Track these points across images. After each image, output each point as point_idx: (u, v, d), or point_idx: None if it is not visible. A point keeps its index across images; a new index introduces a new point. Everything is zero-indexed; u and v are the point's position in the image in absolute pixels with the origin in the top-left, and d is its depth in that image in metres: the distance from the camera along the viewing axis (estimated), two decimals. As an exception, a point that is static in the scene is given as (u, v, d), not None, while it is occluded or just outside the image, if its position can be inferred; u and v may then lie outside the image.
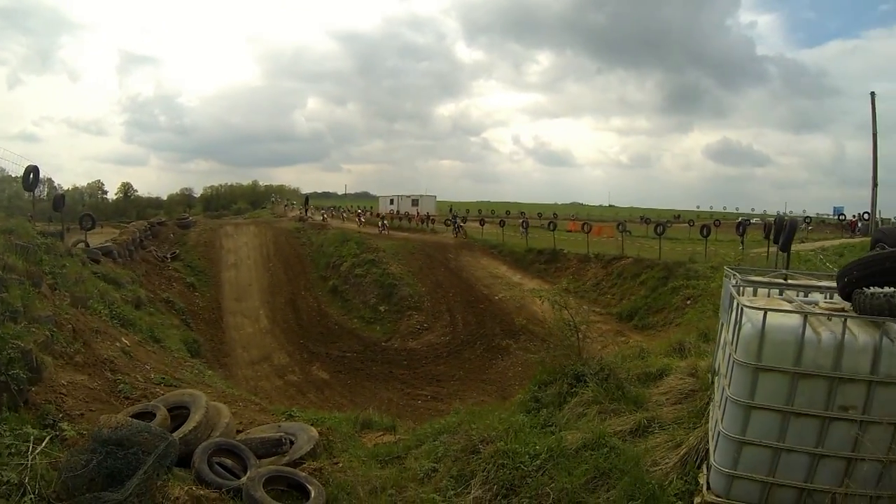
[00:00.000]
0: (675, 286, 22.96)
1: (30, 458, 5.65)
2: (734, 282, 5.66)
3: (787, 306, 4.78)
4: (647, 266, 26.34)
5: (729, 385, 4.62)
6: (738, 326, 4.64)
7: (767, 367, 4.34)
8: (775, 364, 4.32)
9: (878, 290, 4.39)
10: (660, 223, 31.31)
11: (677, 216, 56.26)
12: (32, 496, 5.17)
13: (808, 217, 49.35)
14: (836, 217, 50.77)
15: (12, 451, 5.80)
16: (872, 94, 24.23)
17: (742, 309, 4.69)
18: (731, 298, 5.22)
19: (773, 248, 14.25)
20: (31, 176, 17.42)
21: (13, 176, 21.80)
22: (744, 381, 4.42)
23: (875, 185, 24.43)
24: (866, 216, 34.94)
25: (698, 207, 68.06)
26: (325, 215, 52.31)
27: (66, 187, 20.89)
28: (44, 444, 6.03)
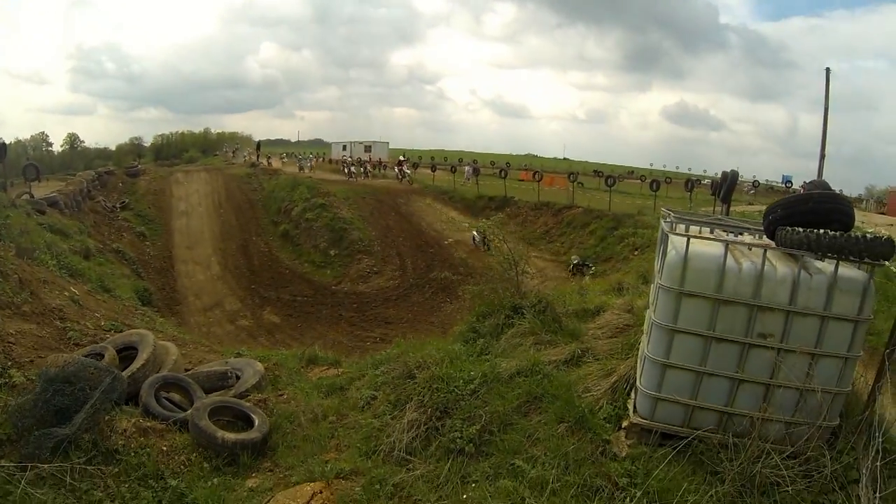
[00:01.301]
0: (622, 235, 23.19)
1: (-23, 404, 5.70)
2: (669, 219, 5.82)
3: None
4: (596, 216, 26.43)
5: (654, 311, 4.83)
6: (663, 255, 4.84)
7: (690, 293, 4.53)
8: (698, 290, 4.52)
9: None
10: (611, 176, 31.30)
11: (630, 172, 56.49)
12: None
13: (756, 181, 50.11)
14: (784, 184, 51.59)
15: (-39, 404, 5.83)
16: (827, 70, 24.63)
17: (668, 237, 4.91)
18: (662, 232, 5.46)
19: (721, 208, 14.58)
20: (-29, 127, 16.71)
21: None
22: (668, 306, 4.62)
23: (822, 157, 25.05)
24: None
25: (651, 165, 68.23)
26: (313, 164, 49.99)
27: (7, 141, 20.14)
28: None
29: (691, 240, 4.68)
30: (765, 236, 5.25)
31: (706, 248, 4.63)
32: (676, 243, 4.68)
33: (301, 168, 44.48)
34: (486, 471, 5.16)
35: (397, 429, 5.92)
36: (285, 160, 50.45)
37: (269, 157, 51.99)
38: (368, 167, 45.87)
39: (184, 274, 25.04)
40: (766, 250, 4.57)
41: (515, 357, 6.82)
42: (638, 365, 5.30)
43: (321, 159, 57.37)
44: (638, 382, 5.04)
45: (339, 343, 16.85)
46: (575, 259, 19.87)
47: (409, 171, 40.84)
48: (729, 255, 4.53)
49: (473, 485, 5.05)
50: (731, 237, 5.43)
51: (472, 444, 5.48)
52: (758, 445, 4.43)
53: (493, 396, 5.97)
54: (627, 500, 4.45)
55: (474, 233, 26.45)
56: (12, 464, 5.13)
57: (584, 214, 27.36)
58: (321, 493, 5.26)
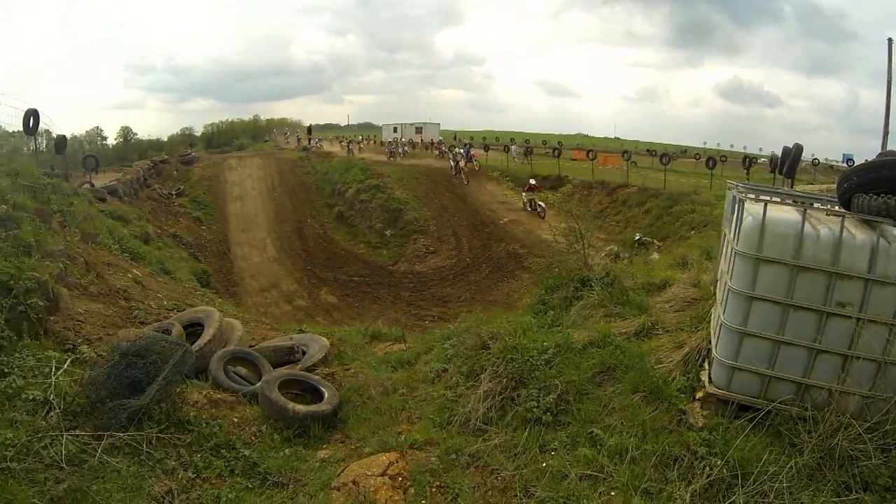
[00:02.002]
0: (679, 213, 22.87)
1: (53, 377, 5.83)
2: (735, 191, 5.66)
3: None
4: (651, 195, 26.12)
5: (731, 278, 4.68)
6: (739, 222, 4.69)
7: (768, 259, 4.41)
8: (775, 256, 4.39)
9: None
10: (666, 154, 30.72)
11: (683, 151, 55.15)
12: (58, 411, 5.36)
13: (815, 159, 48.08)
14: (846, 163, 49.37)
15: (36, 372, 5.99)
16: (890, 40, 23.17)
17: (743, 204, 4.75)
18: (734, 201, 5.28)
19: (782, 185, 14.09)
20: (31, 120, 17.17)
21: (10, 131, 21.47)
22: (745, 273, 4.50)
23: (886, 133, 23.79)
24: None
25: (705, 144, 65.96)
26: (363, 146, 50.95)
27: (63, 136, 20.87)
28: (66, 365, 6.22)
29: (768, 206, 4.54)
30: (838, 207, 5.05)
31: (783, 213, 4.54)
32: (753, 210, 4.58)
33: (350, 151, 44.47)
34: (563, 440, 5.10)
35: (472, 399, 5.87)
36: (347, 143, 50.20)
37: (319, 140, 52.32)
38: (407, 148, 46.48)
39: (240, 256, 25.51)
40: (843, 217, 4.43)
41: (586, 328, 6.75)
42: (712, 334, 5.22)
43: (371, 142, 57.50)
44: (714, 351, 4.94)
45: (398, 322, 16.85)
46: (637, 236, 19.48)
47: (447, 151, 40.58)
48: (806, 221, 4.40)
49: (552, 453, 4.99)
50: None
51: (548, 414, 5.42)
52: (836, 418, 4.31)
53: (567, 367, 5.88)
54: (707, 469, 4.38)
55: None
56: (87, 433, 5.21)
57: (639, 193, 27.04)
58: (396, 462, 5.26)
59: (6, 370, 5.72)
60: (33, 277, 7.25)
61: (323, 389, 6.76)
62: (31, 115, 16.99)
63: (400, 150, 44.46)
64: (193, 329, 7.91)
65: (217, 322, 7.79)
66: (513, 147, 42.78)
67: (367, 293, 22.26)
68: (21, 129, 17.01)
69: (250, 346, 8.23)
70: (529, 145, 44.42)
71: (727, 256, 5.24)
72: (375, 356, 8.59)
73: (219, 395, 6.40)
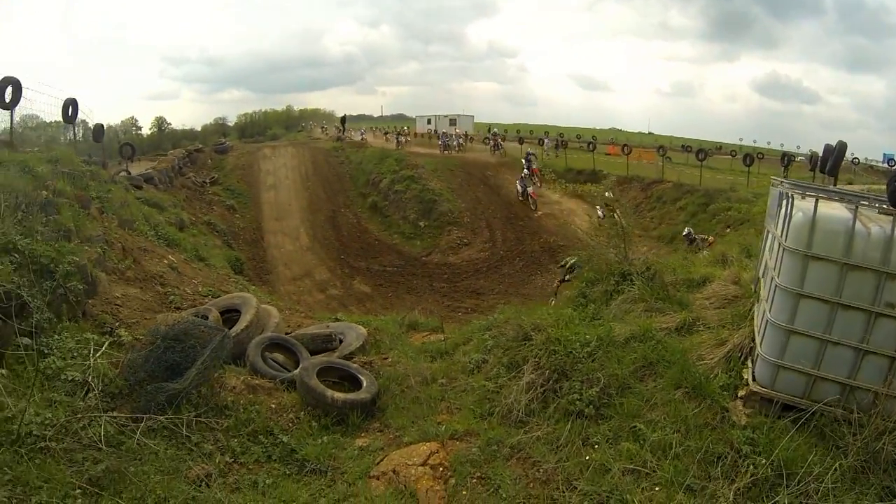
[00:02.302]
0: (715, 211, 22.57)
1: (91, 359, 5.88)
2: (781, 187, 5.60)
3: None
4: (687, 191, 25.78)
5: (778, 274, 4.62)
6: (788, 218, 4.63)
7: (817, 256, 4.35)
8: (825, 253, 4.33)
9: None
10: (702, 150, 29.85)
11: (719, 147, 54.01)
12: (96, 392, 5.42)
13: (855, 158, 46.66)
14: (886, 163, 47.70)
15: (75, 354, 6.05)
16: None
17: (793, 200, 4.68)
18: (780, 197, 5.21)
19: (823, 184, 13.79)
20: (70, 109, 17.43)
21: (47, 122, 21.90)
22: (793, 269, 4.45)
23: None
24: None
25: (741, 141, 64.05)
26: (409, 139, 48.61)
27: (96, 124, 21.34)
28: (104, 348, 6.27)
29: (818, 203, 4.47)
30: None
31: (834, 210, 4.47)
32: (803, 206, 4.52)
33: (399, 143, 43.21)
34: (606, 433, 5.09)
35: (514, 390, 5.86)
36: (396, 136, 49.16)
37: (362, 132, 52.05)
38: (461, 141, 44.33)
39: (273, 245, 25.67)
40: (895, 216, 4.33)
41: (627, 323, 6.76)
42: (757, 333, 5.17)
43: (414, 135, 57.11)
44: (758, 349, 4.90)
45: (431, 312, 16.83)
46: (686, 231, 19.15)
47: (501, 143, 39.78)
48: (857, 219, 4.34)
49: (595, 447, 4.98)
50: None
51: (591, 407, 5.40)
52: (881, 422, 4.29)
53: (609, 360, 5.86)
54: (751, 467, 4.37)
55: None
56: (126, 415, 5.26)
57: (674, 189, 26.69)
58: (437, 452, 5.27)
59: (46, 351, 5.78)
60: (73, 261, 7.35)
61: (361, 378, 6.77)
62: (71, 104, 17.24)
63: (455, 143, 41.67)
64: (230, 315, 7.98)
65: (254, 308, 7.84)
66: (546, 140, 42.26)
67: (400, 283, 22.38)
68: (58, 118, 17.28)
69: (286, 333, 8.25)
70: (563, 139, 43.87)
71: (774, 253, 5.17)
72: (413, 346, 8.61)
73: (257, 381, 6.44)
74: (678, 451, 4.66)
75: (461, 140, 43.47)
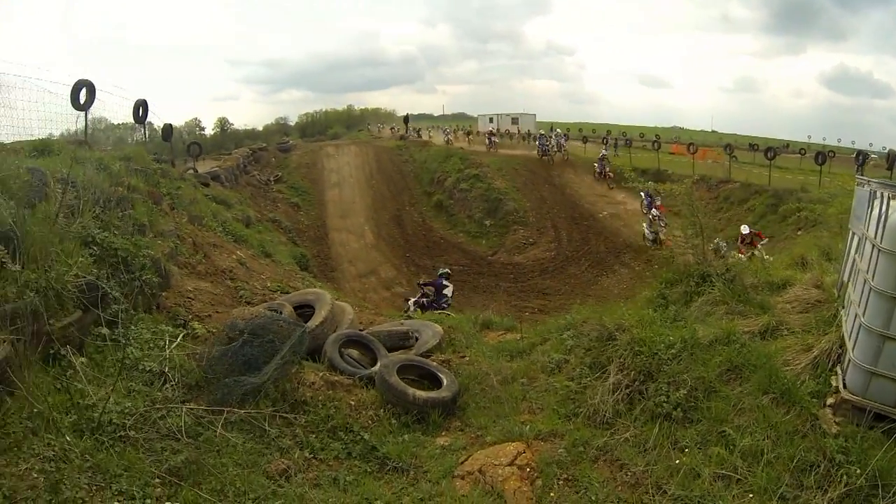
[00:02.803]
0: (785, 212, 21.80)
1: (167, 351, 5.96)
2: (870, 186, 5.46)
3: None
4: (755, 192, 24.93)
5: (872, 277, 4.49)
6: (883, 219, 4.51)
7: None
8: None
9: None
10: (771, 149, 28.54)
11: (786, 145, 52.00)
12: (173, 383, 5.52)
13: None
14: None
15: (151, 345, 6.16)
16: None
17: (889, 201, 4.57)
18: (870, 198, 5.13)
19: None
20: (141, 109, 18.00)
21: (115, 123, 22.71)
22: (890, 272, 4.33)
23: None
24: None
25: (809, 138, 61.51)
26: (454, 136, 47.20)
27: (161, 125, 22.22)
28: (179, 339, 6.38)
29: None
30: None
31: None
32: None
33: (491, 144, 40.89)
34: (694, 437, 5.11)
35: (600, 391, 5.84)
36: (488, 135, 47.88)
37: (425, 130, 51.86)
38: (563, 141, 39.55)
39: (338, 242, 26.01)
40: None
41: (710, 325, 6.66)
42: (847, 339, 5.07)
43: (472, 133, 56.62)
44: (850, 354, 4.78)
45: (498, 312, 16.75)
46: (745, 229, 18.37)
47: (564, 145, 37.66)
48: None
49: (685, 451, 4.94)
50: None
51: (678, 410, 5.39)
52: None
53: (695, 363, 5.80)
54: (845, 477, 4.30)
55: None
56: (203, 407, 5.31)
57: (741, 189, 25.83)
58: (524, 452, 5.23)
59: (124, 341, 5.85)
60: (148, 255, 7.56)
61: (441, 376, 6.73)
62: (141, 105, 17.82)
63: (554, 144, 36.11)
64: (302, 310, 8.04)
65: (329, 304, 7.90)
66: (607, 139, 41.26)
67: (466, 282, 22.27)
68: (125, 120, 17.90)
69: (360, 329, 8.27)
70: (627, 137, 42.87)
71: (864, 255, 5.03)
72: (488, 345, 8.59)
73: (336, 378, 6.45)
74: (769, 458, 4.60)
75: (563, 142, 37.54)
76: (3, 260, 4.98)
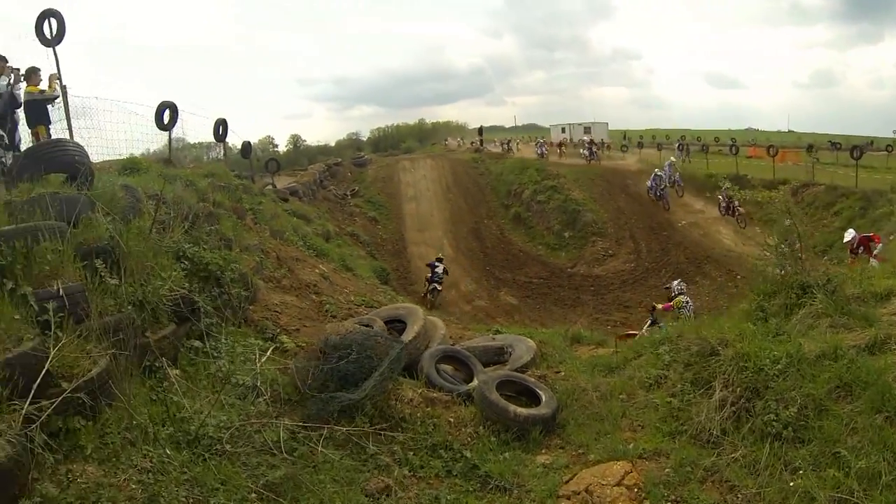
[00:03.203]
0: (876, 217, 20.67)
1: (258, 364, 5.97)
2: None
3: None
4: (841, 195, 23.85)
5: None
6: None
7: None
8: None
9: None
10: (857, 147, 27.25)
11: (870, 142, 49.45)
12: (266, 397, 5.49)
13: None
14: None
15: (242, 358, 6.17)
16: None
17: None
18: None
19: None
20: (221, 128, 18.63)
21: (192, 143, 23.61)
22: None
23: None
24: None
25: (895, 133, 58.47)
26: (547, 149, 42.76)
27: (238, 144, 23.12)
28: (269, 353, 6.39)
29: None
30: None
31: None
32: None
33: (593, 156, 38.94)
34: (807, 458, 4.82)
35: (705, 408, 5.64)
36: (589, 145, 46.92)
37: (542, 142, 51.06)
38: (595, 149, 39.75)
39: (416, 255, 26.06)
40: None
41: (814, 339, 6.28)
42: None
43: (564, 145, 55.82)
44: None
45: (580, 326, 16.56)
46: (850, 234, 17.38)
47: (680, 182, 35.64)
48: None
49: (798, 472, 4.71)
50: None
51: (789, 429, 5.12)
52: None
53: (802, 379, 5.50)
54: None
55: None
56: (297, 423, 5.32)
57: (826, 193, 24.70)
58: (631, 472, 5.10)
59: (215, 354, 5.90)
60: (236, 269, 7.69)
61: (539, 392, 6.60)
62: (221, 124, 18.51)
63: (667, 179, 29.84)
64: (392, 325, 8.05)
65: (421, 320, 7.90)
66: (678, 144, 40.04)
67: (546, 295, 22.26)
68: (202, 139, 18.63)
69: (451, 344, 8.23)
70: (702, 143, 41.73)
71: None
72: (581, 360, 8.45)
73: (434, 394, 6.43)
74: (888, 481, 4.35)
75: (679, 178, 30.72)
76: (103, 274, 5.08)
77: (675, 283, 13.08)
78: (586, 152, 38.72)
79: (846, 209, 22.74)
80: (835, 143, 41.50)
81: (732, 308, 10.35)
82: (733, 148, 34.39)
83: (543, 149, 40.19)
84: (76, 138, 10.97)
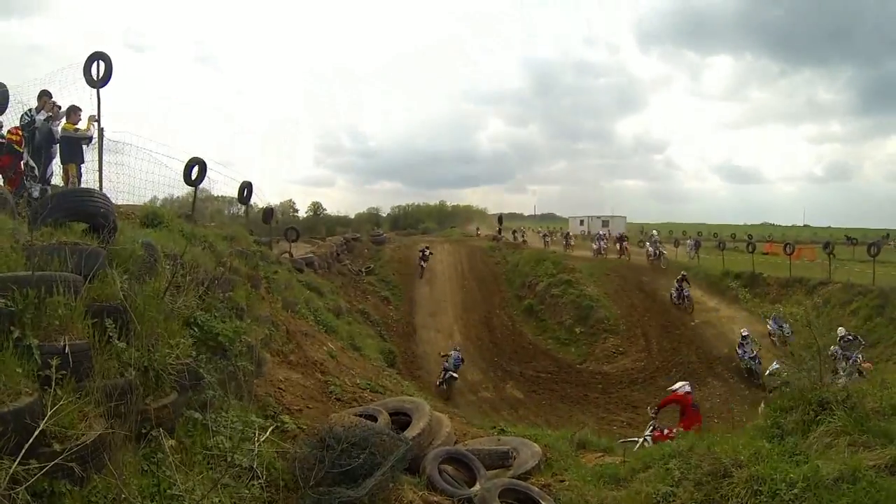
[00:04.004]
0: (893, 317, 20.70)
1: (256, 445, 5.79)
2: None
3: None
4: (858, 293, 23.70)
5: None
6: None
7: None
8: None
9: None
10: (874, 243, 27.10)
11: (886, 235, 49.50)
12: (261, 481, 5.27)
13: None
14: None
15: (242, 436, 5.99)
16: None
17: None
18: None
19: None
20: (246, 191, 18.89)
21: (215, 195, 23.96)
22: None
23: None
24: None
25: None
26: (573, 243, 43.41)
27: (260, 206, 23.22)
28: (268, 433, 6.21)
29: None
30: None
31: None
32: None
33: (655, 256, 36.27)
34: None
35: None
36: (556, 237, 47.44)
37: (519, 231, 51.78)
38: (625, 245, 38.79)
39: (425, 340, 25.97)
40: None
41: (832, 459, 6.08)
42: None
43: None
44: None
45: (585, 425, 16.31)
46: (841, 333, 17.04)
47: (664, 252, 35.66)
48: None
49: None
50: None
51: None
52: None
53: None
54: None
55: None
56: None
57: (842, 291, 24.48)
58: None
59: (215, 429, 5.74)
60: (245, 340, 7.53)
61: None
62: (246, 187, 18.80)
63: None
64: (397, 417, 7.88)
65: (427, 416, 7.73)
66: (689, 241, 40.38)
67: (553, 391, 21.98)
68: (226, 193, 18.95)
69: (454, 443, 8.07)
70: (719, 239, 42.06)
71: None
72: (586, 467, 8.21)
73: (435, 498, 6.22)
74: None
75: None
76: (112, 335, 5.00)
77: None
78: (596, 245, 39.23)
79: (863, 307, 22.63)
80: (851, 239, 41.47)
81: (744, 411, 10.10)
82: (750, 246, 34.35)
83: (547, 239, 42.03)
84: (104, 172, 11.45)
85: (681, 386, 11.87)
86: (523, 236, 47.58)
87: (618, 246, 38.57)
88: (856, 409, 6.95)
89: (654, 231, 42.09)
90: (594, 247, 39.34)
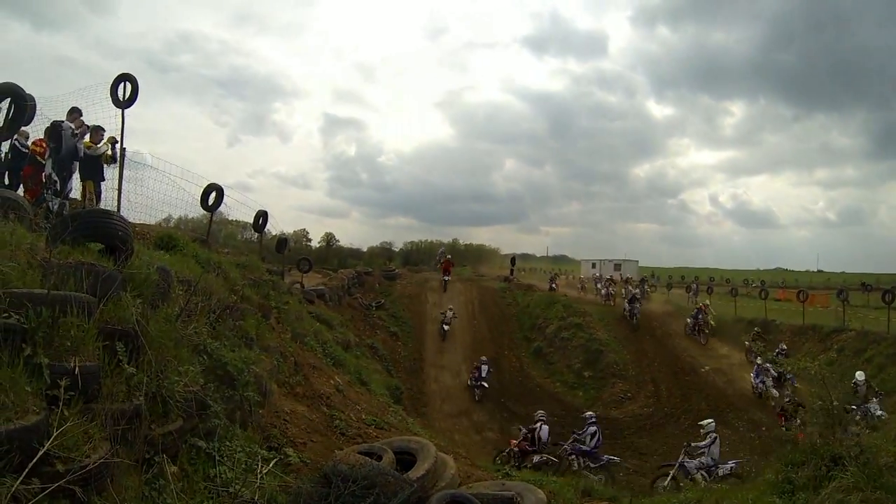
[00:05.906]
0: None
1: (259, 477, 5.76)
2: None
3: None
4: (873, 341, 23.46)
5: None
6: None
7: None
8: None
9: None
10: (889, 291, 25.91)
11: None
12: None
13: None
14: None
15: (245, 467, 5.97)
16: None
17: None
18: None
19: None
20: (261, 220, 19.05)
21: (230, 219, 24.12)
22: None
23: None
24: None
25: None
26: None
27: (273, 233, 23.33)
28: (271, 465, 6.19)
29: None
30: None
31: None
32: None
33: (552, 288, 40.54)
34: None
35: None
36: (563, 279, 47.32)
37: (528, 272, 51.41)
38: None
39: (432, 378, 25.85)
40: None
41: None
42: None
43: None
44: None
45: (593, 479, 15.97)
46: (859, 377, 16.81)
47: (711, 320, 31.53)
48: None
49: None
50: None
51: None
52: None
53: None
54: None
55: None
56: None
57: (857, 339, 24.30)
58: None
59: (219, 458, 5.72)
60: (252, 371, 7.54)
61: None
62: (262, 216, 18.97)
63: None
64: (402, 456, 7.77)
65: (433, 458, 7.60)
66: (693, 286, 40.56)
67: (560, 435, 21.40)
68: (239, 218, 19.25)
69: (459, 485, 7.94)
70: (732, 285, 41.90)
71: None
72: None
73: None
74: None
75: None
76: (122, 359, 5.02)
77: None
78: (604, 291, 39.25)
79: (877, 356, 22.38)
80: (866, 285, 41.07)
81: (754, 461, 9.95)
82: (763, 293, 34.11)
83: (554, 284, 41.72)
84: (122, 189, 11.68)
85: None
86: (554, 283, 45.50)
87: (623, 291, 38.53)
88: (869, 464, 6.80)
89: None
90: (603, 292, 39.43)
